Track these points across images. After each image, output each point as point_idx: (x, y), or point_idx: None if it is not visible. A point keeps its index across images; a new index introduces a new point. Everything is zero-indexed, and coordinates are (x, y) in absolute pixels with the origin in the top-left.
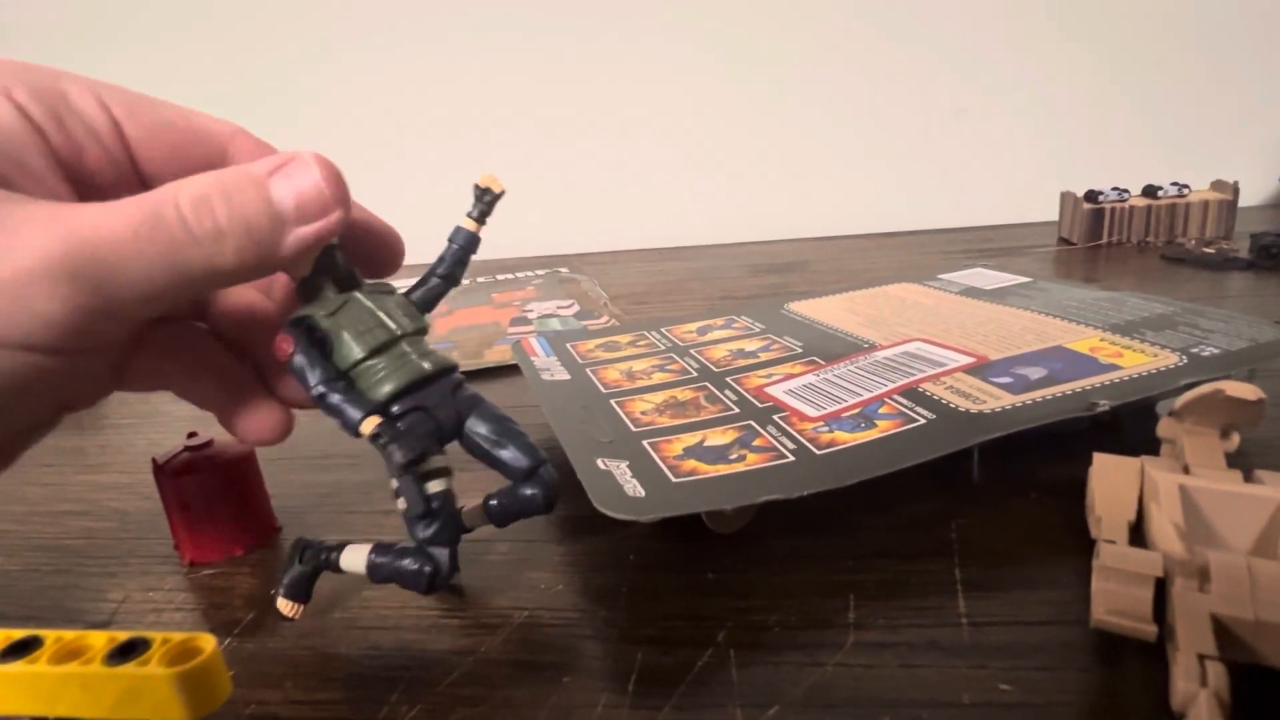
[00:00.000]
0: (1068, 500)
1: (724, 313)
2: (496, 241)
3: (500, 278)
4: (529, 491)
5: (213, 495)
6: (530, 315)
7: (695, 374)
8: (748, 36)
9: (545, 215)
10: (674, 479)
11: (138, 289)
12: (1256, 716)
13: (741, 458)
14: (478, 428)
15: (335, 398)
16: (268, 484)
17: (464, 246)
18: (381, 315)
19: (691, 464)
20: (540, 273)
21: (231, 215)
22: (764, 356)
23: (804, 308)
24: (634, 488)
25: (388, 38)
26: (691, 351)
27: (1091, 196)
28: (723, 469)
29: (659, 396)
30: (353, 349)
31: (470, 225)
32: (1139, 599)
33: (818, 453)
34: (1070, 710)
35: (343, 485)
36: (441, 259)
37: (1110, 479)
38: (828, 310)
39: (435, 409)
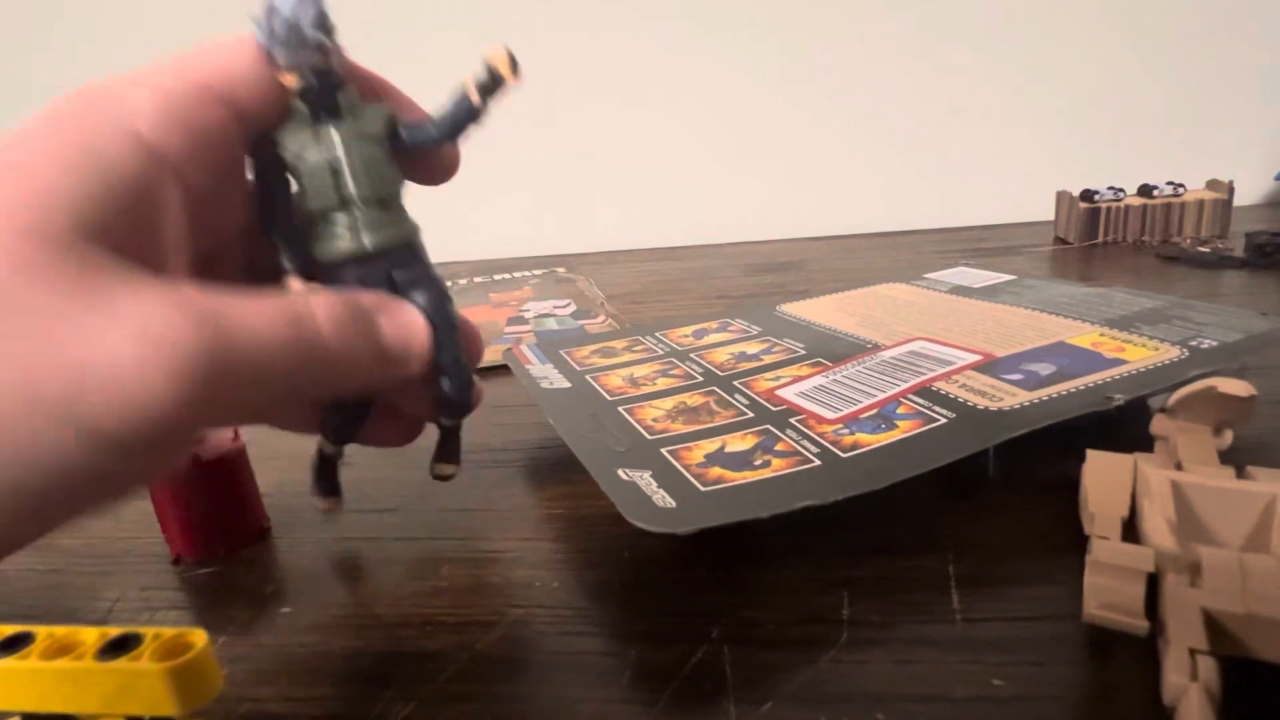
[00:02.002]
0: (1061, 497)
1: (718, 314)
2: (493, 242)
3: (497, 277)
4: (444, 390)
5: (204, 492)
6: (527, 315)
7: (701, 378)
8: (744, 38)
9: (543, 216)
10: (702, 488)
11: (271, 391)
12: (1247, 710)
13: (767, 463)
14: (419, 299)
15: (277, 237)
16: (260, 482)
17: (461, 114)
18: (343, 174)
19: (717, 471)
20: (537, 273)
21: (363, 335)
22: (767, 359)
23: (796, 309)
24: (663, 498)
25: (380, 30)
26: (692, 356)
27: (1087, 196)
28: (750, 475)
29: (668, 402)
30: (303, 200)
31: (473, 98)
32: (1131, 594)
33: (843, 456)
34: (1062, 704)
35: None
36: (435, 118)
37: (1103, 476)
38: (821, 311)
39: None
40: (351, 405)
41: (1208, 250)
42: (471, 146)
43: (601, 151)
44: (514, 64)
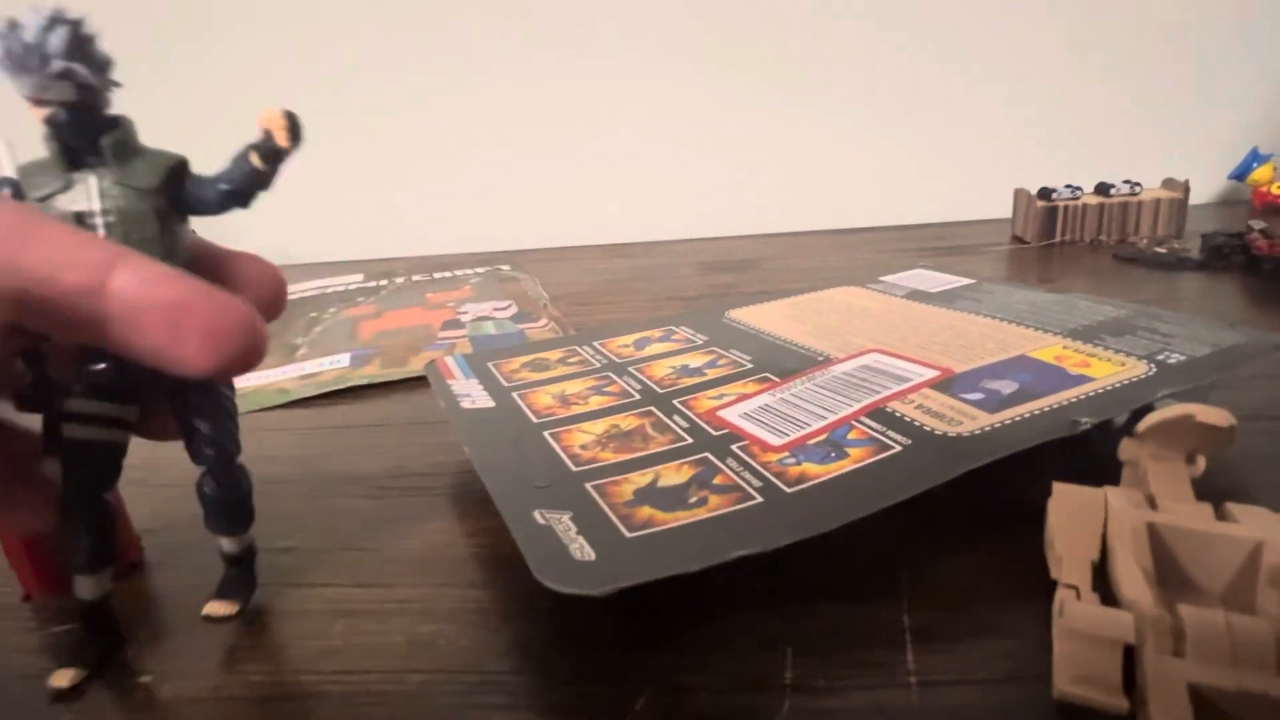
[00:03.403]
0: (1024, 528)
1: (666, 319)
2: (434, 237)
3: (437, 276)
4: (205, 490)
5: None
6: (464, 317)
7: (638, 396)
8: (700, 32)
9: (487, 209)
10: (628, 533)
11: None
12: None
13: (703, 500)
14: (193, 394)
15: None
16: (141, 511)
17: (246, 181)
18: (95, 230)
19: (646, 512)
20: (480, 270)
21: None
22: (711, 374)
23: (746, 315)
24: (581, 548)
25: (318, 20)
26: (630, 369)
27: (1045, 194)
28: (683, 516)
29: (599, 425)
30: None
31: (255, 162)
32: (1108, 667)
33: (788, 490)
34: None
35: None
36: (221, 178)
37: (1071, 513)
38: (772, 318)
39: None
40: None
41: (1165, 251)
42: (410, 136)
43: (552, 144)
44: (293, 131)
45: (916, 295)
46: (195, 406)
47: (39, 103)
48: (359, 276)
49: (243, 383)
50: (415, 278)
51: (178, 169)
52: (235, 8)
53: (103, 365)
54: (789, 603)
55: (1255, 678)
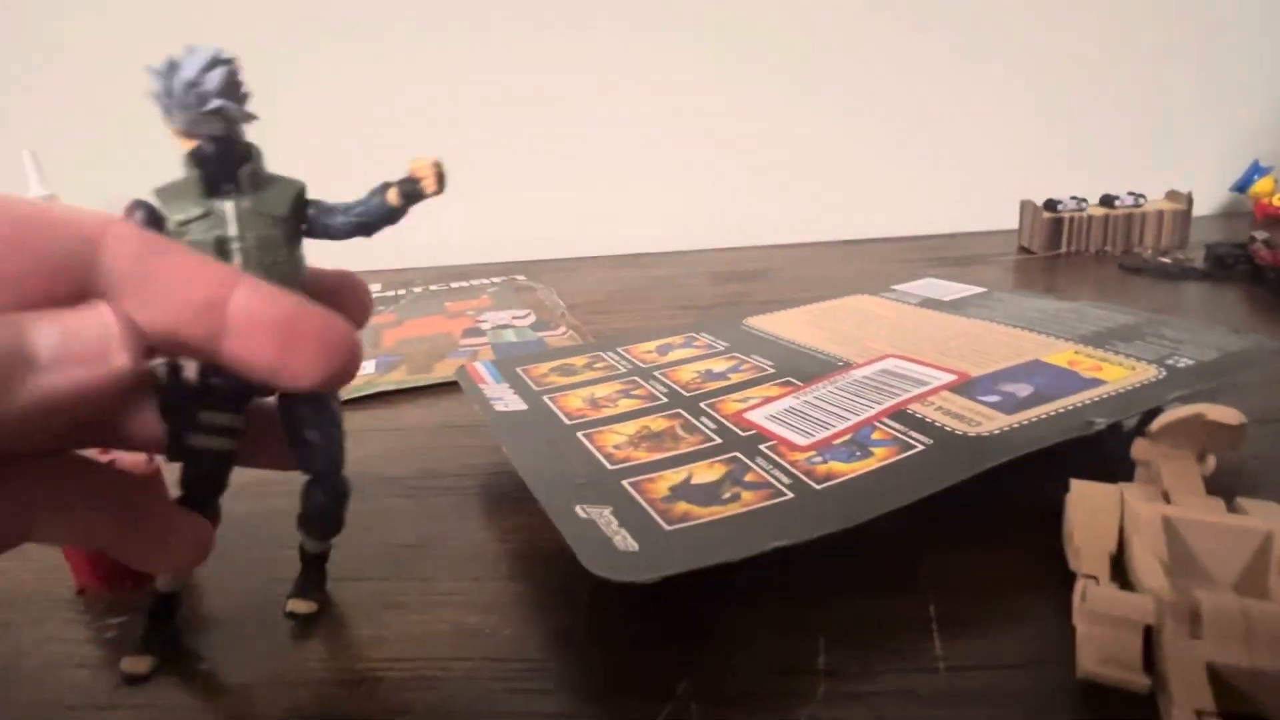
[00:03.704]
0: (1043, 525)
1: (684, 327)
2: (449, 247)
3: (455, 285)
4: (313, 498)
5: None
6: (484, 325)
7: (665, 399)
8: (709, 42)
9: (503, 220)
10: (666, 526)
11: None
12: None
13: (736, 496)
14: (302, 403)
15: None
16: None
17: (378, 215)
18: (232, 255)
19: (683, 507)
20: (496, 280)
21: None
22: (735, 378)
23: (764, 323)
24: (624, 539)
25: (335, 29)
26: (656, 374)
27: (1050, 205)
28: (718, 511)
29: (630, 427)
30: None
31: (392, 199)
32: (1128, 646)
33: (817, 487)
34: None
35: (277, 516)
36: (352, 208)
37: (1089, 508)
38: (789, 325)
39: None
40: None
41: (1169, 261)
42: (430, 147)
43: (566, 156)
44: (441, 179)
45: (929, 303)
46: (306, 419)
47: (190, 135)
48: (377, 286)
49: None
50: (433, 287)
51: (302, 193)
52: (256, 13)
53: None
54: (818, 595)
55: (1269, 657)
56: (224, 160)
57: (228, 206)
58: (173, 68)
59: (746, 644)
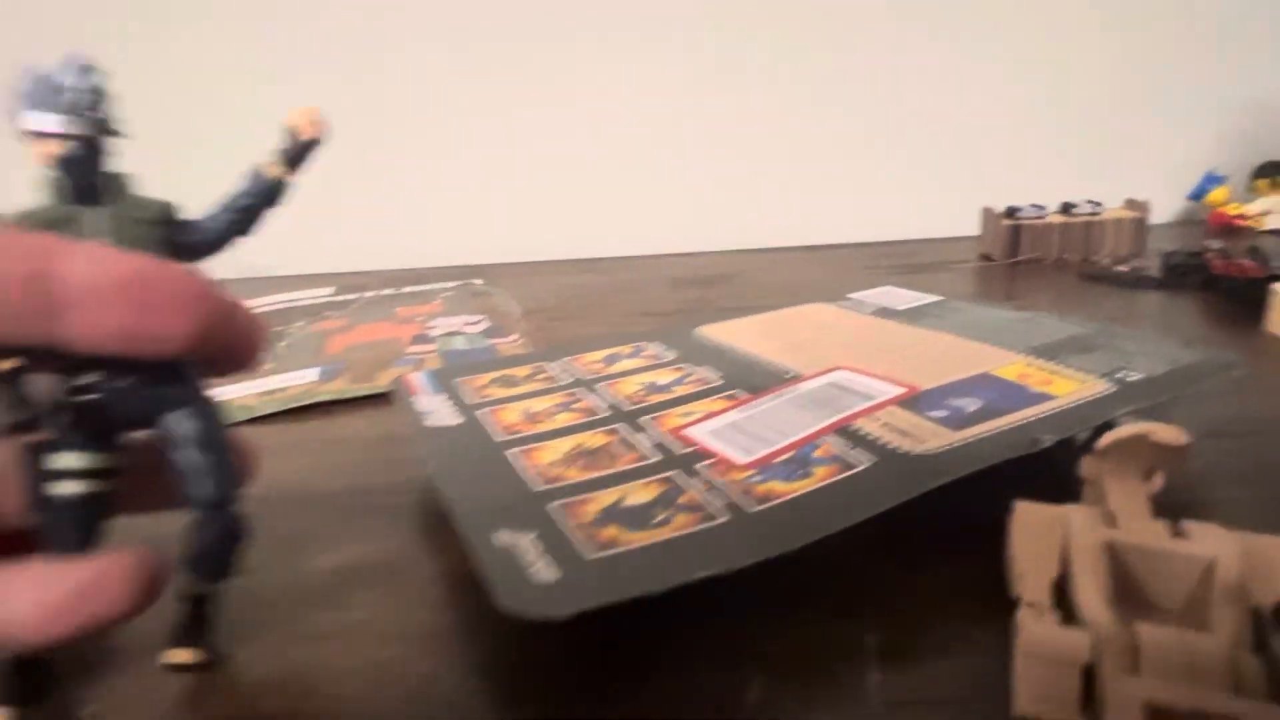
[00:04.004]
0: (986, 544)
1: (635, 335)
2: (407, 250)
3: (407, 290)
4: (204, 532)
5: None
6: (434, 332)
7: (606, 414)
8: (673, 45)
9: (460, 223)
10: (591, 554)
11: None
12: None
13: (668, 520)
14: (182, 424)
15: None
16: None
17: (257, 195)
18: None
19: (611, 531)
20: (451, 285)
21: None
22: (679, 391)
23: (716, 332)
24: (541, 569)
25: (291, 33)
26: (599, 386)
27: (1010, 212)
28: (648, 536)
29: (566, 443)
30: None
31: (272, 171)
32: (1066, 687)
33: (752, 510)
34: None
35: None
36: (229, 203)
37: (1032, 531)
38: (742, 334)
39: (132, 391)
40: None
41: (1126, 270)
42: (389, 147)
43: (525, 158)
44: (317, 125)
45: (884, 312)
46: (184, 435)
47: (60, 138)
48: (330, 290)
49: None
50: (386, 292)
51: (167, 210)
52: (206, 13)
53: (84, 394)
54: (755, 620)
55: (1209, 695)
56: (89, 166)
57: (92, 212)
58: (34, 72)
59: (679, 676)
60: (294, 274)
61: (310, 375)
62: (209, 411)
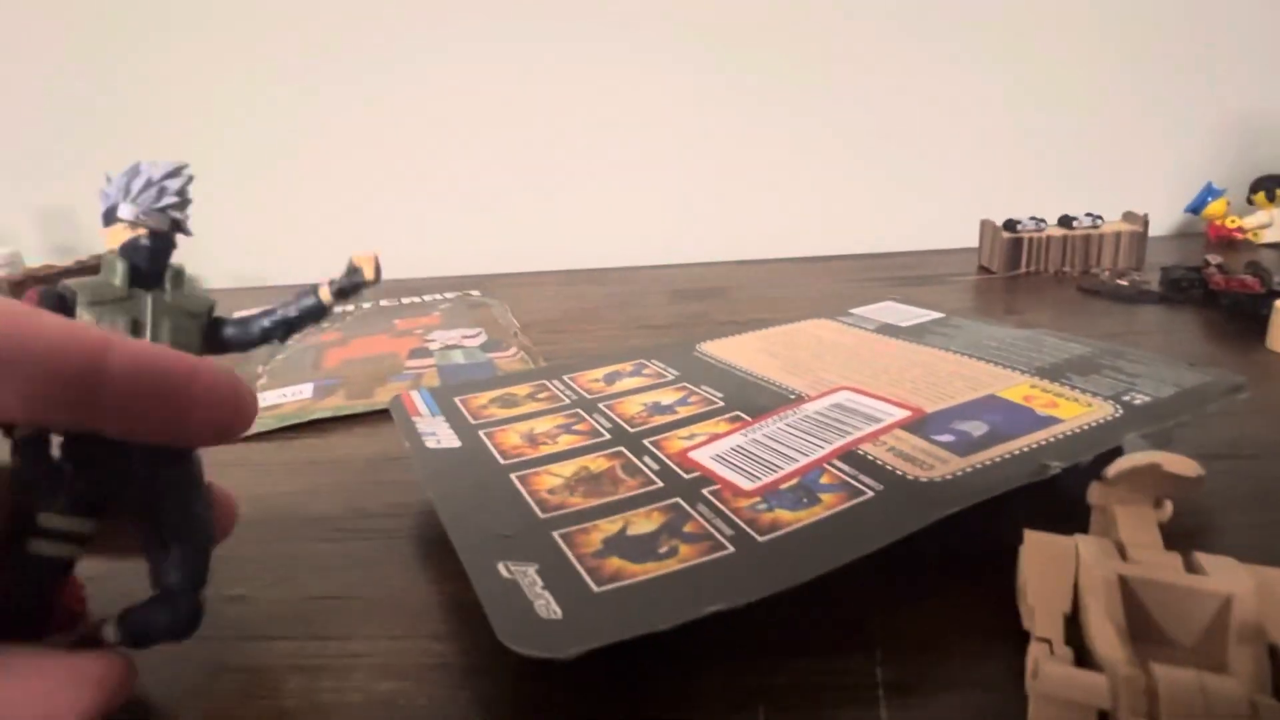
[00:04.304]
0: (995, 574)
1: (635, 351)
2: (404, 260)
3: (405, 301)
4: (160, 615)
5: None
6: (432, 345)
7: (608, 436)
8: (671, 57)
9: (458, 233)
10: (596, 588)
11: None
12: None
13: (674, 551)
14: (171, 511)
15: None
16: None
17: (302, 312)
18: (144, 337)
19: (615, 564)
20: (449, 296)
21: None
22: (683, 412)
23: (717, 349)
24: (547, 605)
25: (287, 38)
26: (601, 406)
27: (1010, 226)
28: (653, 568)
29: (568, 468)
30: None
31: (324, 295)
32: None
33: (760, 540)
34: None
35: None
36: (273, 311)
37: (1042, 563)
38: (743, 352)
39: (134, 465)
40: None
41: (1125, 284)
42: (387, 155)
43: (524, 168)
44: (378, 270)
45: (887, 329)
46: (171, 524)
47: (141, 227)
48: None
49: None
50: (383, 303)
51: (213, 307)
52: (192, 17)
53: (88, 473)
54: (759, 657)
55: None
56: (156, 256)
57: (149, 296)
58: (135, 172)
59: (687, 714)
60: (286, 284)
61: (304, 391)
62: (198, 498)
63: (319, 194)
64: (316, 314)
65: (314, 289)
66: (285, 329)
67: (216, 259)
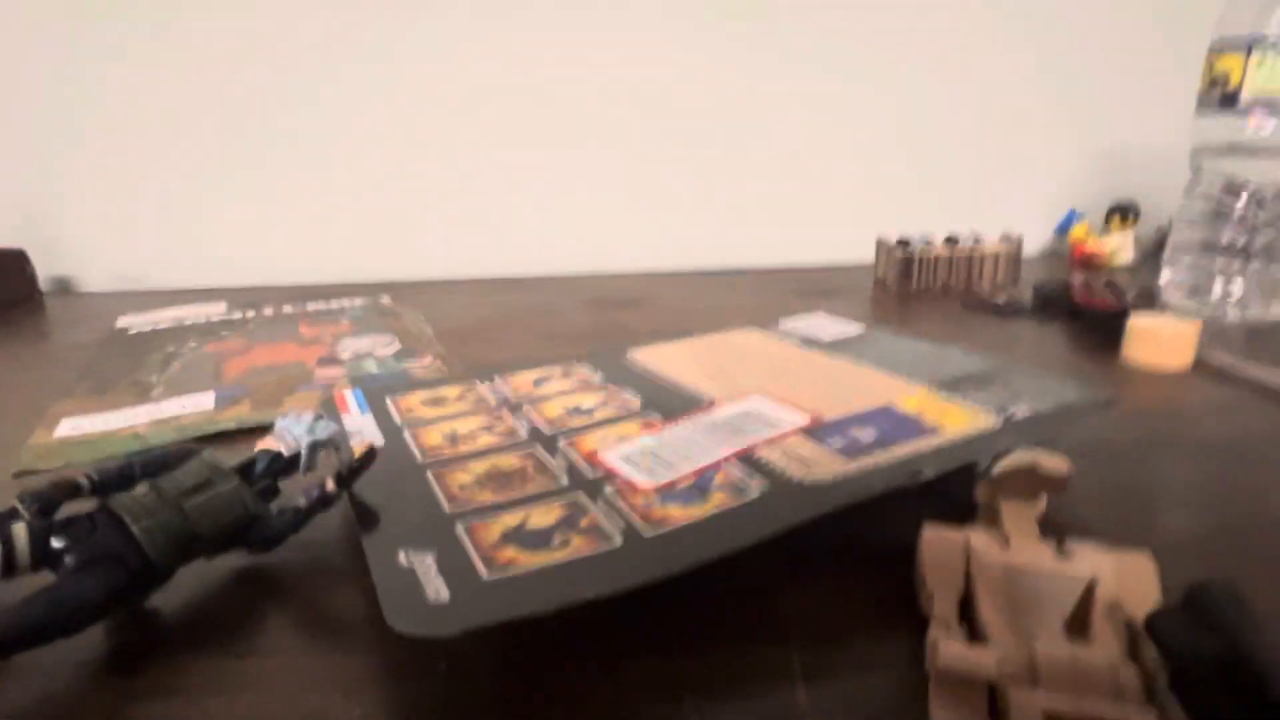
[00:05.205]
0: (901, 562)
1: (565, 357)
2: (306, 265)
3: (311, 307)
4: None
5: None
6: (343, 355)
7: (525, 437)
8: (585, 63)
9: (365, 237)
10: (486, 575)
11: None
12: None
13: (566, 542)
14: (67, 578)
15: None
16: None
17: (316, 501)
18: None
19: (510, 553)
20: (358, 302)
21: None
22: (600, 415)
23: (648, 355)
24: (437, 589)
25: (186, 30)
26: (524, 408)
27: (903, 243)
28: (545, 558)
29: (482, 465)
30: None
31: (330, 487)
32: (975, 702)
33: (646, 535)
34: None
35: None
36: (291, 506)
37: (938, 554)
38: (672, 359)
39: (122, 550)
40: None
41: (1003, 301)
42: (288, 153)
43: (434, 171)
44: (372, 450)
45: (809, 342)
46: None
47: (276, 441)
48: (222, 306)
49: (89, 427)
50: (286, 309)
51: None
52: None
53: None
54: (681, 648)
55: (1096, 703)
56: (271, 465)
57: (240, 485)
58: (300, 425)
59: (616, 711)
60: (177, 288)
61: (206, 402)
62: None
63: (207, 191)
64: (328, 503)
65: (320, 485)
66: (304, 520)
67: (88, 261)
